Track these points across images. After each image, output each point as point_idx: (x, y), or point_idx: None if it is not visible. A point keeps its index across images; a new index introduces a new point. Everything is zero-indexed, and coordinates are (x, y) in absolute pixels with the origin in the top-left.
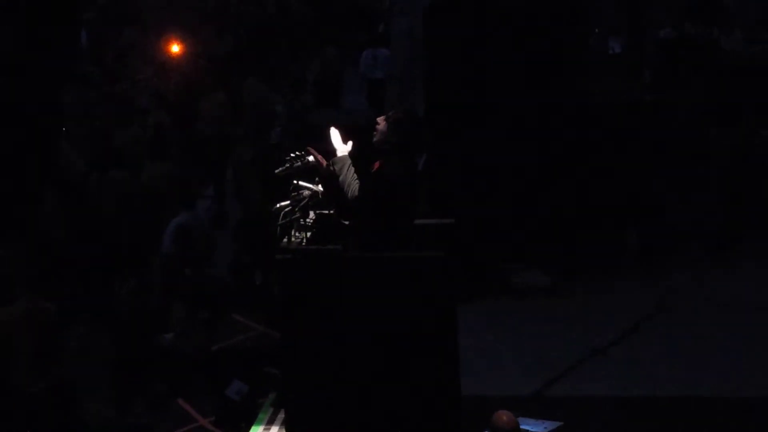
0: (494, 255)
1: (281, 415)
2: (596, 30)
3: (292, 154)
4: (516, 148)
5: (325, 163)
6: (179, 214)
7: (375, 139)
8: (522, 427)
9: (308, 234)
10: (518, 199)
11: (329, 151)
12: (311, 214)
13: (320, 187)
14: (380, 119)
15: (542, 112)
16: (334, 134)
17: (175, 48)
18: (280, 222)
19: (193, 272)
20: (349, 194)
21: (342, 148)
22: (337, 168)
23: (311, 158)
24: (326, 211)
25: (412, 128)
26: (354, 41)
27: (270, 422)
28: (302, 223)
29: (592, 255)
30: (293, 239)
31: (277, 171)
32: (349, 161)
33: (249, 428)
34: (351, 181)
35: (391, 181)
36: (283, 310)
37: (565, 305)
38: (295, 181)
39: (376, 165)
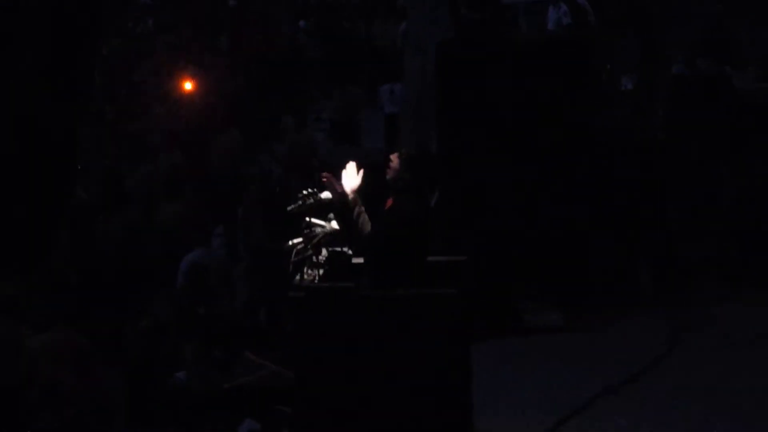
0: (507, 293)
1: None
2: (608, 66)
3: (304, 191)
4: (528, 186)
5: (341, 189)
6: (193, 251)
7: (388, 177)
8: None
9: (321, 271)
10: (531, 237)
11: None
12: (324, 251)
13: (333, 224)
14: (393, 156)
15: (555, 150)
16: (350, 168)
17: (188, 85)
18: (292, 259)
19: (206, 310)
20: (362, 235)
21: (351, 185)
22: (357, 211)
23: (323, 195)
24: (339, 249)
25: (424, 165)
26: (371, 79)
27: None
28: (315, 260)
29: (605, 292)
30: (306, 276)
31: (289, 208)
32: (360, 209)
33: None
34: (363, 223)
35: (404, 218)
36: (295, 348)
37: (577, 343)
38: (307, 218)
39: (389, 203)
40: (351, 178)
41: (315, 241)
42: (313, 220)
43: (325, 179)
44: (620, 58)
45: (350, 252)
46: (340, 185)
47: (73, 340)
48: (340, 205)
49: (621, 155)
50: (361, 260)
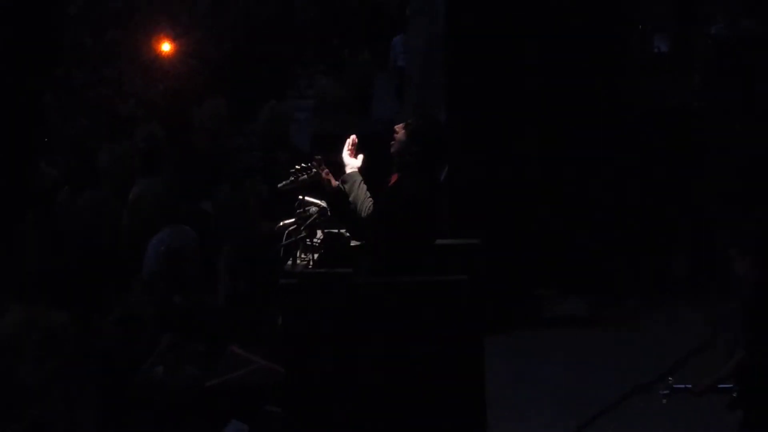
0: (525, 280)
1: None
2: (640, 27)
3: (297, 166)
4: (549, 159)
5: (333, 180)
6: (162, 230)
7: (393, 150)
8: None
9: (315, 256)
10: (552, 217)
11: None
12: (319, 233)
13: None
14: (398, 127)
15: (579, 120)
16: (348, 144)
17: (166, 47)
18: (283, 242)
19: (183, 298)
20: (363, 213)
21: (352, 162)
22: (347, 186)
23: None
24: (336, 230)
25: (433, 137)
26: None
27: None
28: (308, 243)
29: (635, 280)
30: (298, 261)
31: (280, 185)
32: (360, 178)
33: None
34: (364, 198)
35: (410, 196)
36: (286, 341)
37: (604, 336)
38: (300, 197)
39: (393, 179)
40: (347, 159)
41: (309, 221)
42: (307, 198)
43: (316, 163)
44: (653, 18)
45: (348, 234)
46: (331, 176)
47: (35, 327)
48: (334, 196)
49: (653, 127)
50: (360, 244)
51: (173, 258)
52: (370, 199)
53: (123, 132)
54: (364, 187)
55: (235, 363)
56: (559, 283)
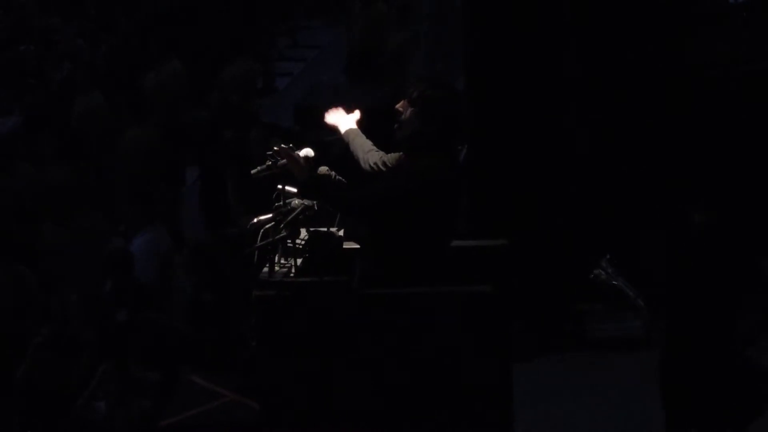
0: (564, 291)
1: None
2: None
3: (275, 148)
4: (593, 138)
5: (302, 165)
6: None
7: (398, 134)
8: None
9: (298, 261)
10: (596, 211)
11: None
12: (303, 232)
13: None
14: (401, 105)
15: (631, 88)
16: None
17: None
18: (258, 243)
19: (129, 316)
20: (368, 165)
21: (346, 121)
22: (350, 141)
23: (302, 152)
24: (324, 229)
25: (450, 111)
26: None
27: None
28: (290, 245)
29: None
30: (277, 268)
31: (253, 172)
32: (359, 131)
33: None
34: (369, 149)
35: (430, 179)
36: (261, 368)
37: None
38: (279, 186)
39: (400, 158)
40: (339, 121)
41: (290, 218)
42: (288, 187)
43: (279, 151)
44: None
45: (340, 233)
46: (301, 160)
47: None
48: (312, 185)
49: (726, 94)
50: (356, 245)
51: (116, 267)
52: (378, 151)
53: (56, 102)
54: (368, 141)
55: (196, 396)
56: (608, 295)
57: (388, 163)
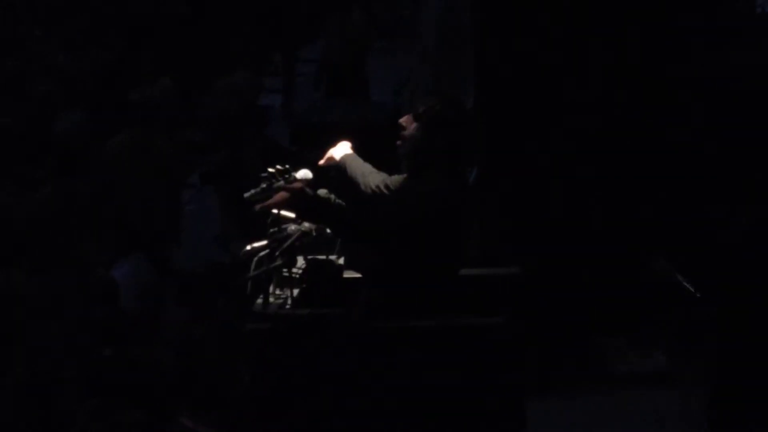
0: (583, 323)
1: None
2: None
3: (270, 170)
4: (614, 157)
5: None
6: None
7: (402, 150)
8: None
9: (295, 291)
10: (616, 235)
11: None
12: (300, 260)
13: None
14: (405, 120)
15: (659, 105)
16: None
17: None
18: (252, 273)
19: (114, 351)
20: (369, 189)
21: (338, 151)
22: (347, 166)
23: (299, 174)
24: (323, 257)
25: (459, 128)
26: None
27: None
28: (286, 274)
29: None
30: (272, 299)
31: (247, 195)
32: (355, 156)
33: None
34: (366, 171)
35: (440, 201)
36: (256, 408)
37: (690, 399)
38: (275, 211)
39: (404, 180)
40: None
41: (286, 244)
42: (284, 213)
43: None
44: None
45: (340, 261)
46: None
47: None
48: (310, 206)
49: (760, 111)
50: (356, 274)
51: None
52: (380, 174)
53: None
54: (367, 165)
55: None
56: (629, 325)
57: (390, 186)
